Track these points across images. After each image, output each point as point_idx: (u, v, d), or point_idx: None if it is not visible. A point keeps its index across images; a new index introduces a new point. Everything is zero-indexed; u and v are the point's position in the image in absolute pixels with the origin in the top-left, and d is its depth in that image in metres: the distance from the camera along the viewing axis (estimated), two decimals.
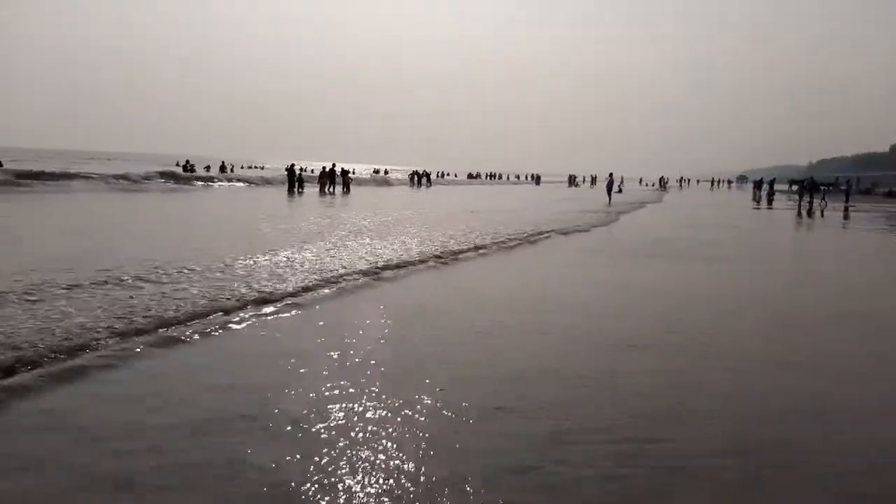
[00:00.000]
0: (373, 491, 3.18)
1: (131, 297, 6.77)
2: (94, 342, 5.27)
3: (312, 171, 45.69)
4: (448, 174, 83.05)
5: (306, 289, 7.79)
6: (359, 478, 3.28)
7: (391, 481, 3.28)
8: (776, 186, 45.42)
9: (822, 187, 42.94)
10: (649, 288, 9.09)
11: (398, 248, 11.58)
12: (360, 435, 3.78)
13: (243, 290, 7.39)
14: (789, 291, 9.53)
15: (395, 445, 3.68)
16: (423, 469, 3.43)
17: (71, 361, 4.84)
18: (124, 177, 32.16)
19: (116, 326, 5.70)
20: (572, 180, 74.41)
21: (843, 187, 40.26)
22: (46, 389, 4.33)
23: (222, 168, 50.83)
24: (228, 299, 6.97)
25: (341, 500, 3.07)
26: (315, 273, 8.74)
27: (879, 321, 7.54)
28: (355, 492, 3.16)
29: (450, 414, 4.17)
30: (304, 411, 4.08)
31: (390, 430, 3.88)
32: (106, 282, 7.44)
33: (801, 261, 14.66)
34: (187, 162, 49.39)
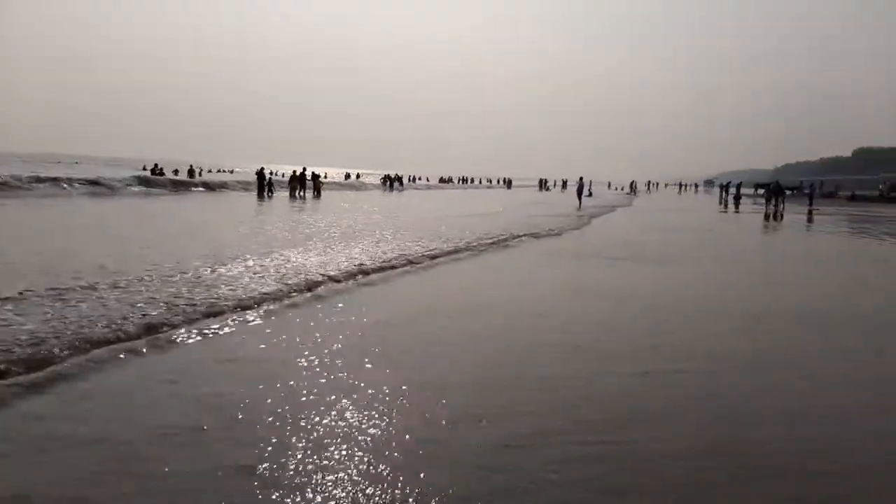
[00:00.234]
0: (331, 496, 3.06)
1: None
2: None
3: (283, 175, 45.07)
4: (420, 178, 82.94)
5: (259, 300, 7.49)
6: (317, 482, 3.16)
7: (354, 488, 3.21)
8: (742, 190, 46.31)
9: (787, 191, 43.90)
10: (617, 290, 9.05)
11: (363, 254, 11.41)
12: (312, 445, 3.64)
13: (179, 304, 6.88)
14: (756, 293, 9.59)
15: (356, 451, 3.56)
16: (383, 474, 3.37)
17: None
18: (96, 182, 30.82)
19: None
20: (543, 184, 74.78)
21: (808, 191, 41.23)
22: None
23: (191, 172, 49.54)
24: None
25: None
26: (269, 283, 8.44)
27: (842, 320, 7.60)
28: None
29: (407, 420, 4.08)
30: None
31: (351, 437, 3.75)
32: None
33: (768, 263, 14.84)
34: (156, 165, 47.94)
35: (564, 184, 75.34)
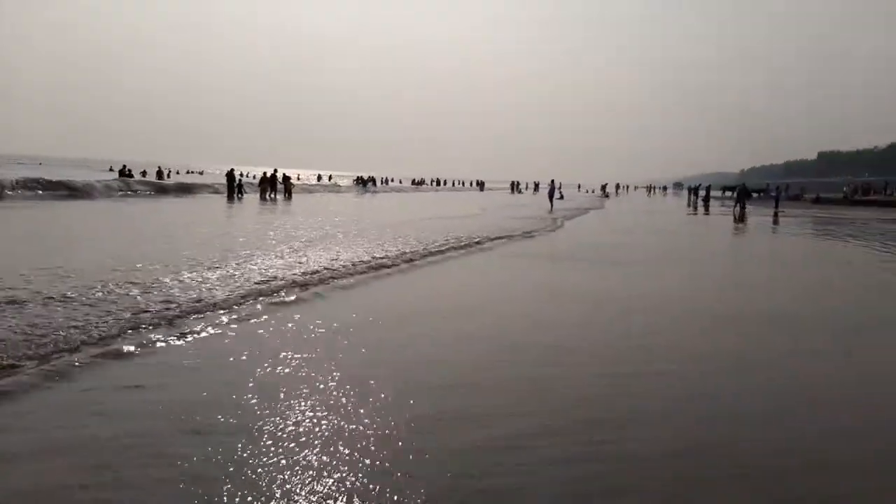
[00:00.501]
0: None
1: None
2: None
3: (254, 176, 44.39)
4: (392, 180, 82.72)
5: (211, 306, 7.32)
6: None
7: (332, 490, 3.13)
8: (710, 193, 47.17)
9: (754, 194, 44.77)
10: (593, 293, 9.04)
11: (333, 258, 11.23)
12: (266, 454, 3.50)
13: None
14: (729, 295, 9.66)
15: (332, 454, 3.43)
16: (365, 477, 3.33)
17: None
18: (65, 185, 29.46)
19: None
20: (515, 187, 75.07)
21: (773, 194, 42.03)
22: None
23: (159, 174, 48.57)
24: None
25: None
26: (221, 289, 8.24)
27: (812, 322, 7.68)
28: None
29: (389, 423, 3.99)
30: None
31: (326, 442, 3.61)
32: None
33: (739, 265, 15.01)
34: (124, 167, 46.36)
35: (536, 186, 75.75)
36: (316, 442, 3.79)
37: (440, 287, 9.82)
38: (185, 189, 36.56)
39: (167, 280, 8.27)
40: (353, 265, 10.42)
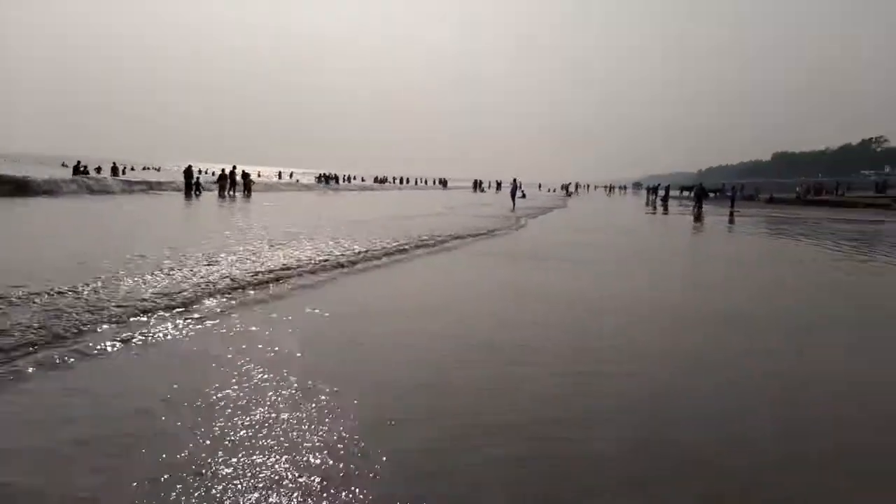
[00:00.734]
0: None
1: None
2: None
3: (214, 173, 43.40)
4: (355, 177, 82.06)
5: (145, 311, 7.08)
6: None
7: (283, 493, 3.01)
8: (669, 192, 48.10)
9: (710, 193, 45.75)
10: (555, 293, 9.05)
11: (288, 258, 11.02)
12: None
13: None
14: (686, 295, 9.78)
15: (283, 459, 3.30)
16: (319, 479, 3.30)
17: None
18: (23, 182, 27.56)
19: None
20: (478, 185, 75.24)
21: (729, 193, 43.00)
22: None
23: (114, 170, 46.95)
24: None
25: None
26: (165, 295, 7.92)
27: (764, 321, 7.80)
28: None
29: (345, 425, 3.94)
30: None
31: (277, 445, 3.48)
32: None
33: (696, 265, 15.27)
34: (78, 163, 44.17)
35: (499, 185, 76.11)
36: (267, 445, 3.67)
37: (403, 286, 9.71)
38: (142, 186, 35.38)
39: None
40: (313, 264, 10.24)
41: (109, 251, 10.52)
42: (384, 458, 3.62)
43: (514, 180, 39.74)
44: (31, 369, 4.84)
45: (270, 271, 9.37)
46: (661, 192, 49.39)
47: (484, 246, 15.41)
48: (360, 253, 11.95)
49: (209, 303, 7.30)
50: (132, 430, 3.85)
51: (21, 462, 3.44)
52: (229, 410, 4.18)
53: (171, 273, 8.72)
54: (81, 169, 41.05)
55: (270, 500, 3.13)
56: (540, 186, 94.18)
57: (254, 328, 6.34)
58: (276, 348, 5.64)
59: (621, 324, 7.41)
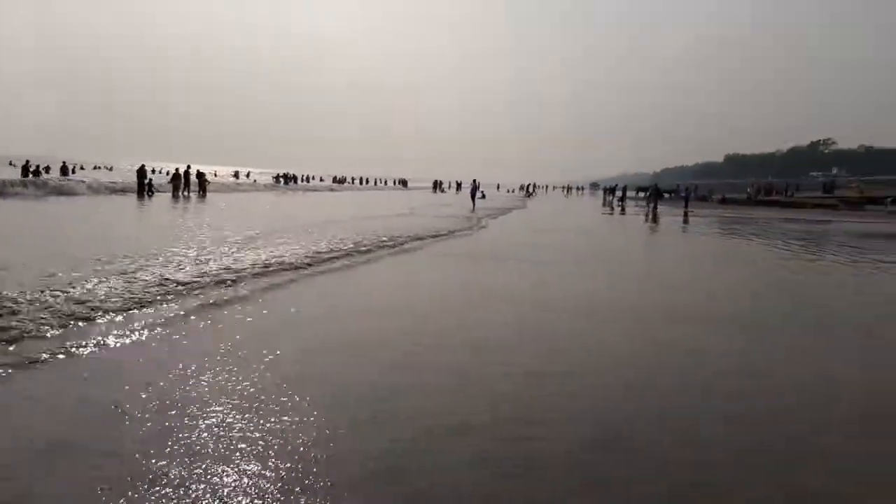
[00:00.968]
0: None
1: None
2: None
3: (168, 172, 42.18)
4: (314, 177, 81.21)
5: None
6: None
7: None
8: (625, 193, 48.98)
9: (665, 194, 46.72)
10: (517, 293, 9.07)
11: (248, 260, 10.79)
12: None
13: None
14: (643, 294, 9.92)
15: (243, 462, 3.20)
16: (280, 482, 3.25)
17: None
18: None
19: None
20: (438, 186, 75.28)
21: (683, 194, 43.95)
22: None
23: (63, 170, 45.08)
24: None
25: None
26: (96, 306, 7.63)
27: (717, 321, 7.96)
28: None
29: (305, 426, 3.88)
30: None
31: (235, 449, 3.36)
32: None
33: (652, 265, 15.54)
34: (27, 163, 41.00)
35: (459, 186, 76.31)
36: (226, 449, 3.57)
37: (364, 287, 9.58)
38: (91, 187, 33.98)
39: None
40: (267, 267, 10.03)
41: (31, 260, 10.10)
42: (349, 462, 3.56)
43: (474, 181, 40.00)
44: None
45: (228, 269, 9.15)
46: (619, 193, 50.23)
47: (445, 247, 15.38)
48: (319, 253, 11.77)
49: (147, 311, 7.07)
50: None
51: None
52: (185, 417, 4.03)
53: (147, 268, 8.41)
54: (32, 169, 39.27)
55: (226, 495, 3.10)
56: (499, 187, 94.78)
57: (205, 334, 6.16)
58: (229, 352, 5.48)
59: (580, 323, 7.48)
